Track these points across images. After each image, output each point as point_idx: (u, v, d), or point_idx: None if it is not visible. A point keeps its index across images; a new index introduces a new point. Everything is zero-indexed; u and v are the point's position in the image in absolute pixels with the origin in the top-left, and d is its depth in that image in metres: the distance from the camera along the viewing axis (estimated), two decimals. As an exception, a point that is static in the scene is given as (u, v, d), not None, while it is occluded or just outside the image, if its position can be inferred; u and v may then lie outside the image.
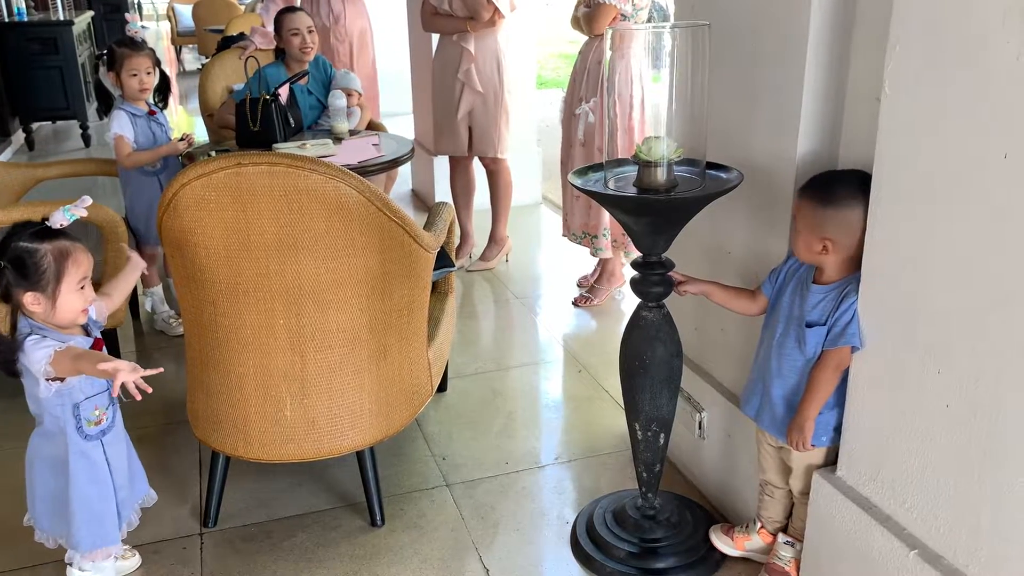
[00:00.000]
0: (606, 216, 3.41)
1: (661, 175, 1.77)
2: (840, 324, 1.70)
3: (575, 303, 3.64)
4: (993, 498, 1.44)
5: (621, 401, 2.77)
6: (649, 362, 1.91)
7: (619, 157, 1.89)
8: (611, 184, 1.84)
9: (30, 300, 1.68)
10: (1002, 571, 1.45)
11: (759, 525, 2.02)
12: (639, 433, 1.99)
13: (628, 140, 3.19)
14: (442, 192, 4.64)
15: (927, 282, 1.51)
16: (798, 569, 1.93)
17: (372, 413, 2.15)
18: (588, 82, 3.33)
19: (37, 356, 1.66)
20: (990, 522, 1.45)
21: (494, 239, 4.04)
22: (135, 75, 3.11)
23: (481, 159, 3.89)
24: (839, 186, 1.71)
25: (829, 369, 1.73)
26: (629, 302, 3.70)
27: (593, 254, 3.56)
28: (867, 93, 1.74)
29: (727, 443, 2.18)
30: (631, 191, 1.80)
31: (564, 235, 3.63)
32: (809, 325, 1.76)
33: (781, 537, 1.97)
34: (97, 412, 1.80)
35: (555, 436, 2.66)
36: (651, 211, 1.77)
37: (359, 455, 2.20)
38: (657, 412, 1.96)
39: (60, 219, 1.71)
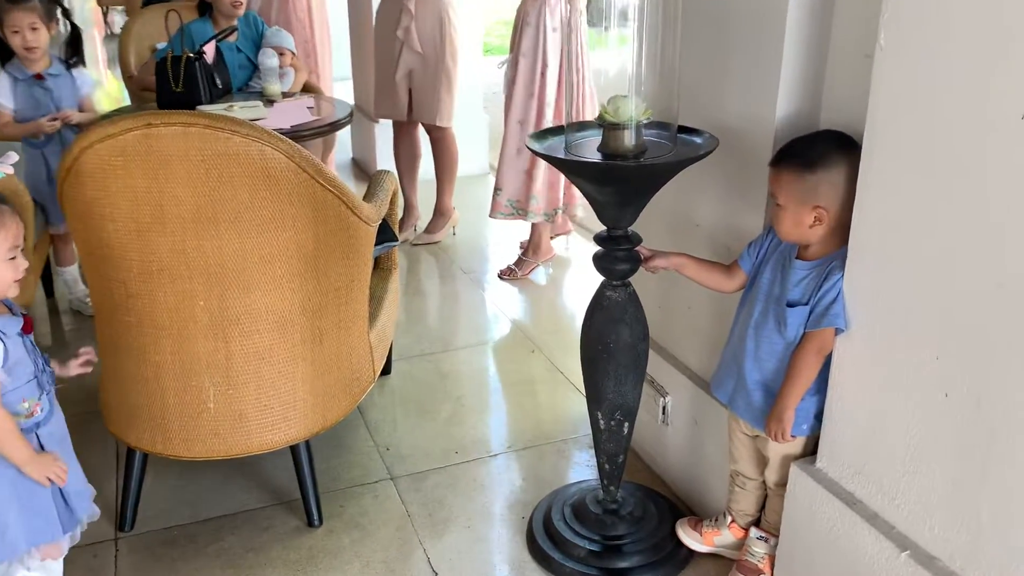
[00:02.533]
0: (502, 173, 3.28)
1: (628, 139, 1.59)
2: (823, 304, 1.54)
3: (500, 275, 3.49)
4: (998, 496, 1.30)
5: (576, 383, 2.62)
6: (614, 346, 1.74)
7: (582, 120, 1.70)
8: (573, 150, 1.66)
9: None
10: (1008, 570, 1.32)
11: (729, 519, 1.87)
12: (602, 422, 1.82)
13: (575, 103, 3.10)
14: (384, 160, 4.40)
15: (926, 259, 1.36)
16: (772, 566, 1.79)
17: (307, 403, 1.95)
18: (517, 39, 3.19)
19: None
20: (994, 523, 1.32)
21: (440, 211, 3.83)
22: (17, 32, 2.76)
23: (424, 126, 3.67)
24: (820, 147, 1.55)
25: (811, 353, 1.58)
26: (583, 276, 3.54)
27: (524, 217, 3.38)
28: (853, 48, 1.58)
29: (693, 430, 2.03)
30: (595, 157, 1.61)
31: (491, 215, 3.42)
32: (790, 304, 1.61)
33: (754, 532, 1.83)
34: (27, 404, 1.55)
35: (508, 422, 2.48)
36: (618, 179, 1.59)
37: (293, 449, 1.99)
38: (622, 400, 1.79)
39: None
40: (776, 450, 1.72)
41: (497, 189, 3.33)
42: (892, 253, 1.42)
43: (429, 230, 3.82)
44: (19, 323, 1.52)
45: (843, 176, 1.51)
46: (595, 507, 1.94)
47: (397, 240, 2.43)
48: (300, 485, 2.02)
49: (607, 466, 1.89)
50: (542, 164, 3.23)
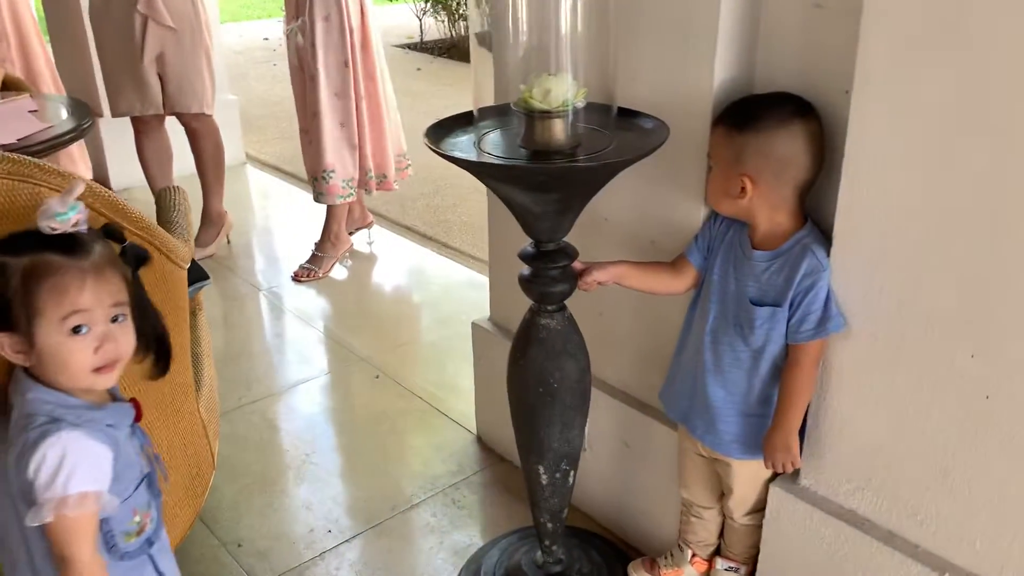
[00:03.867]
0: (329, 154, 2.83)
1: (562, 130, 1.23)
2: (815, 308, 1.30)
3: (295, 277, 3.02)
4: (1064, 507, 1.14)
5: (439, 405, 2.25)
6: (558, 386, 1.39)
7: (490, 105, 1.31)
8: (485, 147, 1.27)
9: (7, 344, 1.04)
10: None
11: (690, 553, 1.62)
12: (544, 477, 1.48)
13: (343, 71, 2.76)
14: (122, 164, 3.65)
15: (949, 239, 1.16)
16: (748, 598, 1.58)
17: (142, 528, 1.41)
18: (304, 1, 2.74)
19: (53, 486, 1.00)
20: (1060, 534, 1.16)
21: (209, 218, 3.21)
22: None
23: (180, 117, 3.02)
24: (763, 108, 1.31)
25: (812, 366, 1.33)
26: (395, 275, 3.13)
27: (316, 199, 2.95)
28: (797, -1, 1.33)
29: (624, 454, 1.74)
30: (522, 156, 1.24)
31: (327, 201, 2.99)
32: (755, 303, 1.35)
33: (721, 563, 1.60)
34: (137, 517, 1.14)
35: (379, 475, 2.04)
36: (568, 183, 1.23)
37: (129, 592, 1.45)
38: (568, 447, 1.46)
39: (49, 222, 1.02)
40: (744, 476, 1.48)
41: (328, 171, 2.84)
42: (900, 236, 1.21)
43: (199, 243, 3.17)
44: (131, 413, 1.14)
45: (789, 139, 1.27)
46: (535, 573, 1.61)
47: (208, 277, 1.89)
48: (145, 634, 1.48)
49: (549, 524, 1.55)
50: (368, 132, 2.91)
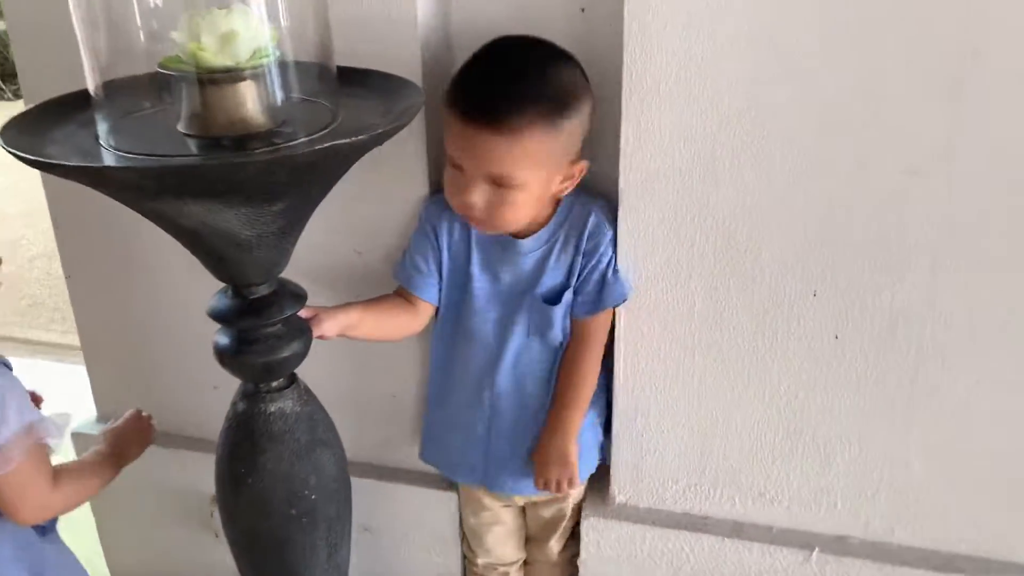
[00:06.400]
0: None
1: (259, 97, 0.75)
2: (601, 268, 1.01)
3: None
4: (934, 430, 1.02)
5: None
6: (317, 495, 0.90)
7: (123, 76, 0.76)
8: (118, 146, 0.73)
9: None
10: (950, 518, 1.07)
11: (491, 634, 1.26)
12: (310, 630, 0.98)
13: None
14: None
15: (777, 162, 0.95)
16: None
17: None
18: None
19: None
20: (932, 462, 1.04)
21: None
22: None
23: None
24: (561, 72, 0.92)
25: (597, 344, 1.05)
26: None
27: None
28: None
29: (367, 544, 1.27)
30: (193, 148, 0.73)
31: None
32: (551, 301, 1.03)
33: (528, 629, 1.26)
34: None
35: None
36: (312, 179, 0.74)
37: None
38: (338, 571, 0.99)
39: None
40: (572, 504, 1.16)
41: None
42: (707, 172, 0.97)
43: None
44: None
45: (590, 98, 0.95)
46: None
47: None
48: None
49: None
50: None
